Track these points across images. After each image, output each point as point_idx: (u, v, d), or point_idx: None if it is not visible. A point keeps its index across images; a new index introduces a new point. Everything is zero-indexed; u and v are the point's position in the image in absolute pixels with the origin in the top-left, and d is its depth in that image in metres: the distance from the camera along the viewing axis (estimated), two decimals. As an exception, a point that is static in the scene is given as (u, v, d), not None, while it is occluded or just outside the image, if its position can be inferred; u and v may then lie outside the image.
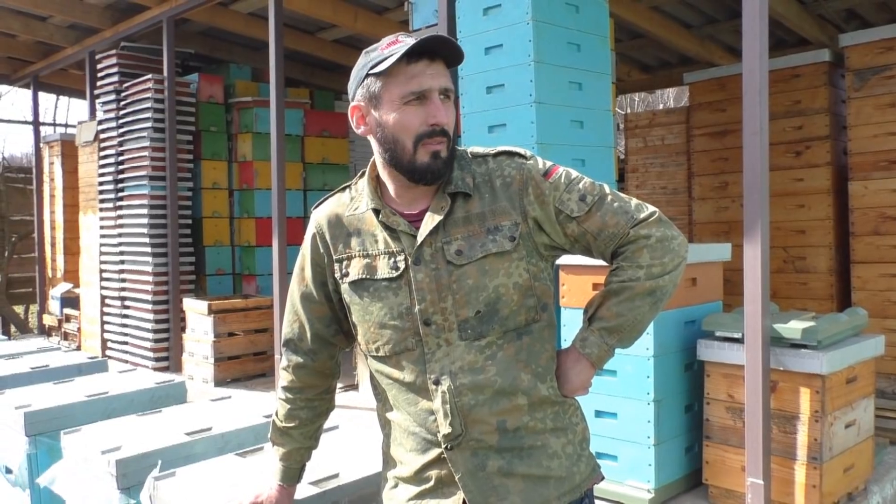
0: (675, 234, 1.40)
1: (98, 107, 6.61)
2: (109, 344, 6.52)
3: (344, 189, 1.52)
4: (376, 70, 1.34)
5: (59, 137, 8.04)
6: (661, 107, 16.16)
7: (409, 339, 1.37)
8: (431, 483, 1.38)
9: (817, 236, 4.92)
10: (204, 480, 1.90)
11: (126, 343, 6.27)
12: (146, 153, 5.92)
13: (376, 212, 1.41)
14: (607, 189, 1.42)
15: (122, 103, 6.25)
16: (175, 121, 5.96)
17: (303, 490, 1.77)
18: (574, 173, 1.43)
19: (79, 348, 7.04)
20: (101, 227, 6.51)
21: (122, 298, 6.28)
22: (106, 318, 6.53)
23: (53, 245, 8.18)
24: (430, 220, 1.37)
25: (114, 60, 6.34)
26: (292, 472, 1.64)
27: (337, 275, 1.46)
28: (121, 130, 6.24)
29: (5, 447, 2.92)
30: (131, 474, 2.12)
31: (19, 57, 7.99)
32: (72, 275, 7.79)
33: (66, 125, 12.06)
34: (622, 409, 3.01)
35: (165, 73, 5.95)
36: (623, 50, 7.26)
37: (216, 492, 1.80)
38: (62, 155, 7.88)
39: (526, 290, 1.38)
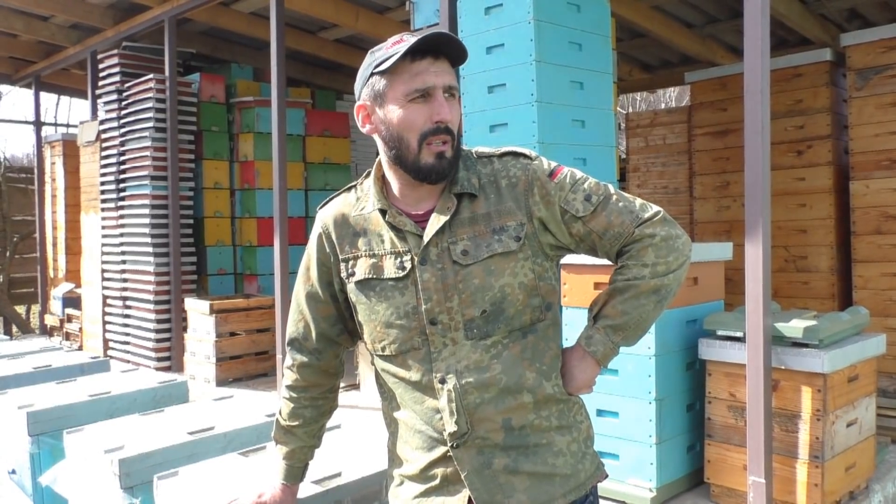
0: (679, 233, 1.41)
1: (100, 106, 6.62)
2: (111, 344, 6.52)
3: (350, 189, 1.53)
4: (381, 68, 1.35)
5: (60, 137, 8.04)
6: (662, 106, 16.15)
7: (415, 339, 1.38)
8: (437, 481, 1.39)
9: (819, 235, 4.92)
10: (207, 480, 1.90)
11: (128, 343, 6.27)
12: (148, 153, 5.93)
13: (383, 212, 1.41)
14: (612, 189, 1.43)
15: (124, 103, 6.25)
16: (177, 120, 5.97)
17: (305, 489, 1.77)
18: (579, 173, 1.44)
19: (80, 348, 7.05)
20: (103, 227, 6.51)
21: (124, 298, 6.28)
22: (108, 318, 6.54)
23: (55, 245, 8.18)
24: (436, 221, 1.37)
25: (115, 60, 6.35)
26: (296, 470, 1.64)
27: (343, 274, 1.47)
28: (122, 130, 6.24)
29: (8, 447, 2.92)
30: (134, 474, 2.12)
31: (21, 57, 7.99)
32: (73, 275, 7.79)
33: (68, 125, 12.05)
34: (624, 408, 3.01)
35: (167, 73, 5.95)
36: (624, 49, 7.26)
37: (219, 491, 1.81)
38: (64, 155, 7.89)
39: (531, 290, 1.38)
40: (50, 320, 8.03)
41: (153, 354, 5.92)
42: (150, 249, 5.92)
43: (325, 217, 1.51)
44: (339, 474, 1.91)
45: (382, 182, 1.46)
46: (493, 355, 1.36)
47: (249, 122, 6.49)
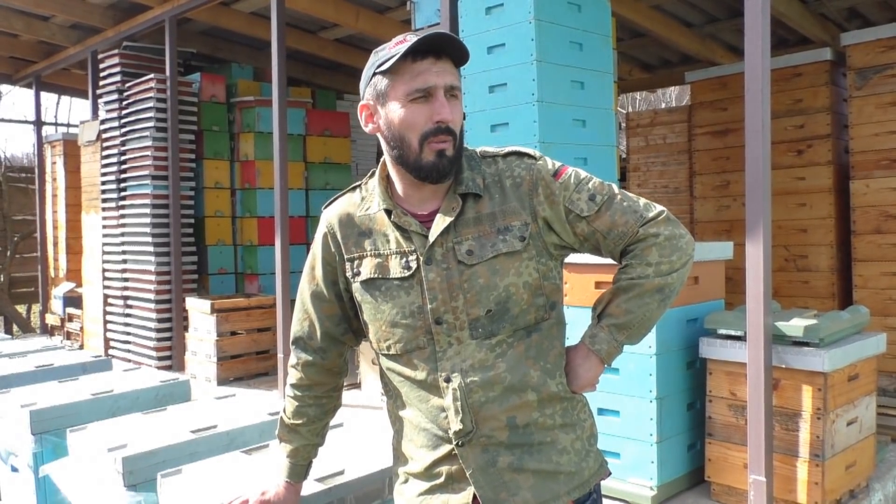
0: (682, 232, 1.42)
1: (100, 106, 6.62)
2: (112, 343, 6.53)
3: (354, 189, 1.53)
4: (383, 68, 1.36)
5: (61, 137, 8.04)
6: (662, 106, 16.15)
7: (420, 338, 1.39)
8: (442, 479, 1.40)
9: (819, 235, 4.93)
10: (210, 478, 1.91)
11: (129, 342, 6.28)
12: (148, 153, 5.93)
13: (388, 212, 1.42)
14: (616, 189, 1.44)
15: (125, 103, 6.25)
16: (177, 120, 5.97)
17: (309, 487, 1.78)
18: (583, 173, 1.44)
19: (81, 347, 7.05)
20: (104, 227, 6.52)
21: (125, 298, 6.29)
22: (109, 318, 6.54)
23: (56, 244, 8.19)
24: (442, 221, 1.38)
25: (116, 60, 6.35)
26: (299, 468, 1.65)
27: (348, 274, 1.47)
28: (123, 130, 6.25)
29: (11, 445, 2.93)
30: (138, 472, 2.13)
31: (21, 56, 7.99)
32: (74, 274, 7.80)
33: (68, 125, 12.06)
34: (625, 407, 3.02)
35: (168, 73, 5.96)
36: (625, 49, 7.26)
37: (223, 489, 1.81)
38: (64, 154, 7.89)
39: (536, 290, 1.39)
40: (51, 320, 8.04)
41: (154, 354, 5.93)
42: (151, 249, 5.93)
43: (329, 217, 1.51)
44: (341, 472, 1.92)
45: (387, 182, 1.47)
46: (498, 354, 1.37)
47: (250, 121, 6.49)
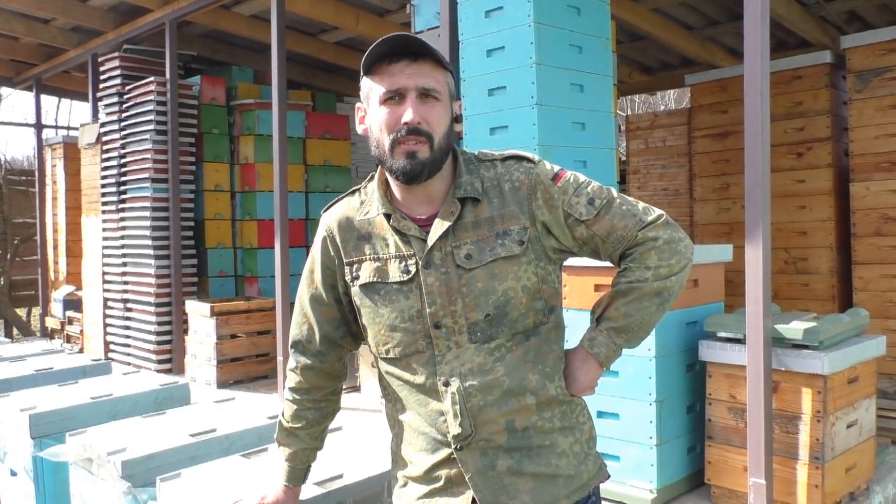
0: (681, 236, 1.43)
1: (100, 109, 6.62)
2: (112, 346, 6.52)
3: (353, 192, 1.54)
4: (363, 70, 1.39)
5: (61, 140, 8.05)
6: (662, 108, 16.17)
7: (419, 342, 1.39)
8: (441, 482, 1.40)
9: (819, 237, 4.93)
10: (209, 481, 1.91)
11: (128, 345, 6.27)
12: (148, 155, 5.93)
13: (387, 216, 1.42)
14: (615, 192, 1.44)
15: (125, 106, 6.26)
16: (177, 123, 5.97)
17: (307, 490, 1.78)
18: (582, 177, 1.45)
19: (81, 351, 7.05)
20: (104, 230, 6.52)
21: (125, 301, 6.29)
22: (108, 321, 6.54)
23: (56, 247, 8.19)
24: (440, 225, 1.38)
25: (116, 63, 6.35)
26: (298, 472, 1.65)
27: (347, 277, 1.47)
28: (123, 133, 6.25)
29: (11, 449, 2.93)
30: (137, 475, 2.12)
31: (22, 59, 7.99)
32: (74, 277, 7.80)
33: (69, 127, 12.09)
34: (624, 410, 3.02)
35: (168, 76, 5.96)
36: (624, 52, 7.27)
37: (222, 492, 1.81)
38: (64, 157, 7.90)
39: (534, 293, 1.39)
40: (51, 323, 8.03)
41: (154, 357, 5.92)
42: (151, 252, 5.93)
43: (329, 221, 1.52)
44: (340, 476, 1.92)
45: (386, 186, 1.47)
46: (497, 358, 1.37)
47: (250, 124, 6.50)
